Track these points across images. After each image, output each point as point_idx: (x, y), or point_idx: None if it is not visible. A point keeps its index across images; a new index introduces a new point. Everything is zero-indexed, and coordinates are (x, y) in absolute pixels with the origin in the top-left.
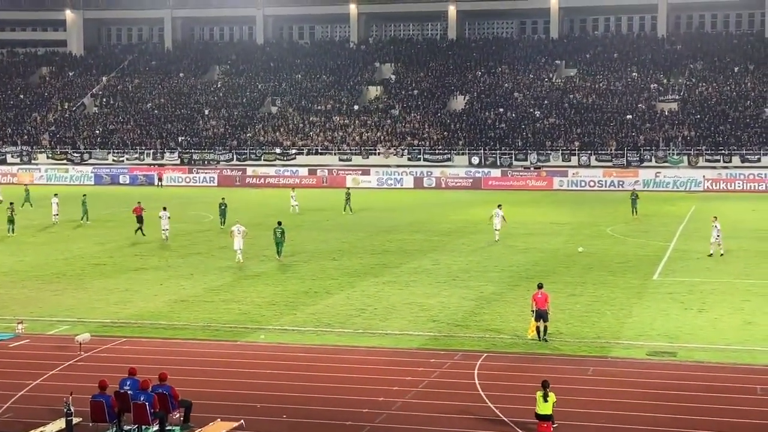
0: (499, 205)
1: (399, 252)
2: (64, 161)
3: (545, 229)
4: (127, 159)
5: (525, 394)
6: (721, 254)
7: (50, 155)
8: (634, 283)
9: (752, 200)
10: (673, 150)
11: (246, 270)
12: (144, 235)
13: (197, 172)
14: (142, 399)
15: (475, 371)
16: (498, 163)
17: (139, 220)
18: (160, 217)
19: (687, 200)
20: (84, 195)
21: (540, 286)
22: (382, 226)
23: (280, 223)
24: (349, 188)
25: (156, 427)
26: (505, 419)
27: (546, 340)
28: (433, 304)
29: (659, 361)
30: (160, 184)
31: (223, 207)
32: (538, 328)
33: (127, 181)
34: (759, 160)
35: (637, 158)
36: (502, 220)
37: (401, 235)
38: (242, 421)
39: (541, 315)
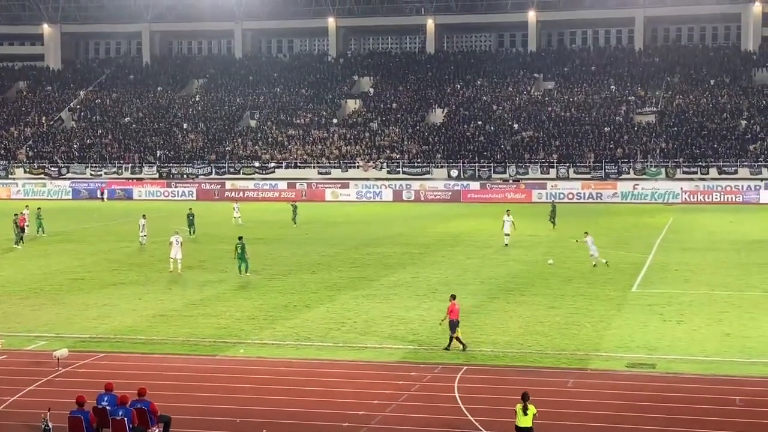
0: (507, 211)
1: (378, 265)
2: (42, 176)
3: (524, 242)
4: (105, 173)
5: (505, 407)
6: (594, 265)
7: (27, 170)
8: (613, 294)
9: (729, 212)
10: (650, 162)
11: (225, 284)
12: (21, 243)
13: (176, 186)
14: (120, 414)
15: (455, 384)
16: (477, 176)
17: (22, 230)
18: (140, 225)
19: (665, 212)
20: (39, 209)
21: (453, 297)
22: (362, 240)
23: (240, 238)
24: (295, 201)
25: None
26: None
27: (449, 349)
28: (412, 317)
29: (639, 373)
30: (102, 198)
31: (191, 217)
32: (458, 338)
33: (105, 195)
34: (736, 171)
35: (615, 170)
36: (512, 225)
37: (380, 248)
38: None
39: (455, 325)
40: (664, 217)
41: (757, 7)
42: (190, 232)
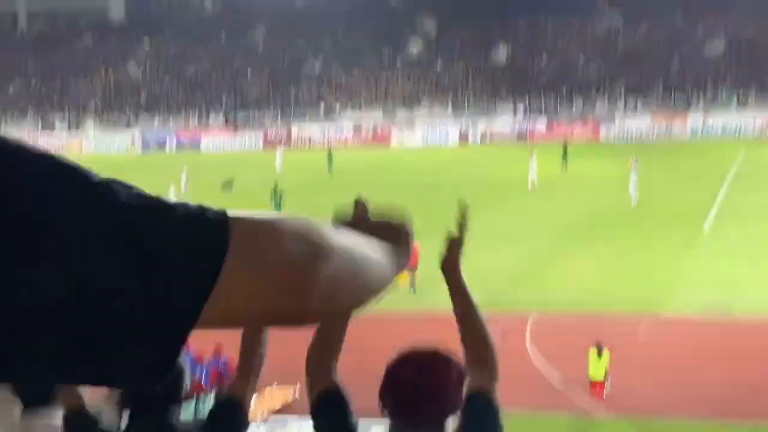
0: (531, 152)
1: (445, 213)
2: (111, 127)
3: (592, 183)
4: (173, 123)
5: (577, 354)
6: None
7: (97, 121)
8: (684, 236)
9: None
10: (720, 93)
11: None
12: None
13: (241, 135)
14: (197, 374)
15: (527, 332)
16: (543, 112)
17: None
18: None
19: (736, 146)
20: None
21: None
22: (427, 185)
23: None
24: (330, 148)
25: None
26: (557, 381)
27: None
28: (482, 265)
29: (713, 318)
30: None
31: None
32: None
33: (173, 147)
34: None
35: (685, 101)
36: (536, 165)
37: (447, 194)
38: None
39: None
40: (736, 150)
41: None
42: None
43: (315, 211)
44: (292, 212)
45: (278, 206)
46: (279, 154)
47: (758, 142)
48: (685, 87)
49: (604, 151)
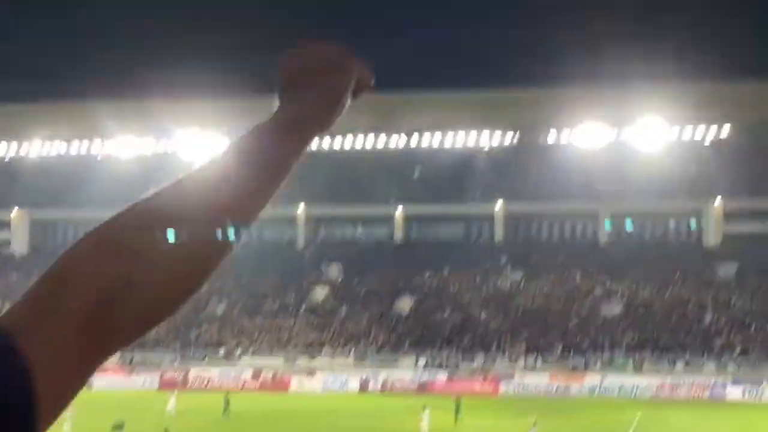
0: (424, 407)
1: None
2: None
3: None
4: None
5: None
6: None
7: None
8: None
9: (697, 408)
10: (617, 355)
11: None
12: None
13: (138, 374)
14: None
15: None
16: (444, 366)
17: None
18: None
19: (632, 408)
20: None
21: None
22: None
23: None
24: (228, 392)
25: None
26: None
27: None
28: None
29: None
30: None
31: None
32: None
33: None
34: (703, 365)
35: (583, 363)
36: (428, 420)
37: None
38: None
39: None
40: (632, 412)
41: (719, 204)
42: None
43: None
44: None
45: None
46: (173, 397)
47: (654, 404)
48: (583, 346)
49: (503, 407)
